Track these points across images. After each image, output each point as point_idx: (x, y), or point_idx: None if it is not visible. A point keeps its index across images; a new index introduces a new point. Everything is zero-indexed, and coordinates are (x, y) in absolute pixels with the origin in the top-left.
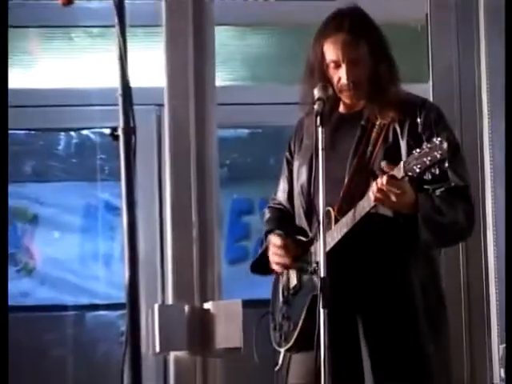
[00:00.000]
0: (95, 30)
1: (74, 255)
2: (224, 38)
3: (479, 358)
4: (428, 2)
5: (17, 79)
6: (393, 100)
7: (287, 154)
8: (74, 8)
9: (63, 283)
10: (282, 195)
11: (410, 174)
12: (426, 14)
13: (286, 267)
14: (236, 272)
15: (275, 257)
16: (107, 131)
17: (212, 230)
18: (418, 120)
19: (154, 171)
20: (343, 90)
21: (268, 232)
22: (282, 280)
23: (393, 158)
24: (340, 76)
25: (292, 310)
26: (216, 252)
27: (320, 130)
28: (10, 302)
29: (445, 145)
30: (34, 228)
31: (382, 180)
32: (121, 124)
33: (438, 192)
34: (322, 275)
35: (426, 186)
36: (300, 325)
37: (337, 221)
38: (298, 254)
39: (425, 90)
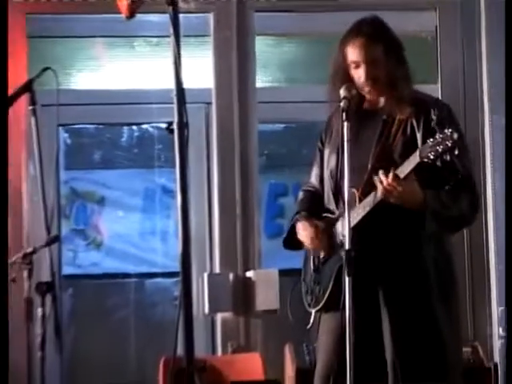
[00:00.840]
0: (154, 39)
1: (135, 231)
2: (263, 46)
3: (481, 318)
4: (437, 17)
5: (86, 82)
6: (409, 98)
7: (319, 144)
8: (135, 20)
9: (126, 255)
10: (314, 179)
11: (425, 160)
12: (435, 27)
13: (314, 248)
14: (273, 245)
15: (304, 238)
16: (164, 125)
17: (252, 209)
18: (432, 116)
19: (203, 159)
20: (363, 87)
21: (298, 212)
22: (313, 252)
23: (410, 148)
24: (360, 75)
25: (322, 277)
26: (256, 228)
27: (345, 124)
28: (82, 272)
29: (455, 135)
30: (102, 208)
31: (388, 178)
32: (175, 119)
33: (444, 192)
34: (346, 248)
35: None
36: (329, 290)
37: (360, 201)
38: (325, 236)
39: (434, 90)
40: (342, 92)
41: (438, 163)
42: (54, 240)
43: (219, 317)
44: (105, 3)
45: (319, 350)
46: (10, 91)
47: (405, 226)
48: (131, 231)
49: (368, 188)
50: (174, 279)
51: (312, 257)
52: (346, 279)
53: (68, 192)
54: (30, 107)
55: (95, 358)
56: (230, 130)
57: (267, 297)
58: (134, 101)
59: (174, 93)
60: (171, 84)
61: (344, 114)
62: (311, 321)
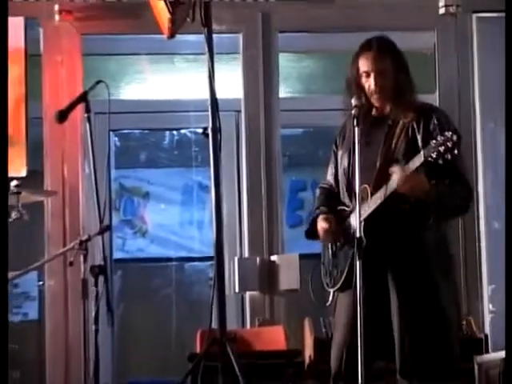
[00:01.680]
0: (191, 56)
1: (175, 221)
2: (285, 62)
3: (473, 296)
4: (435, 36)
5: (133, 93)
6: (411, 104)
7: (334, 146)
8: (175, 40)
9: (168, 242)
10: (330, 177)
11: (429, 158)
12: (434, 44)
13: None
14: (294, 233)
15: (322, 233)
16: (200, 130)
17: (276, 202)
18: (434, 121)
19: (233, 159)
20: (372, 94)
21: (317, 208)
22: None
23: (411, 148)
24: (370, 83)
25: (339, 262)
26: (279, 218)
27: (356, 129)
28: (129, 256)
29: (455, 137)
30: (146, 202)
31: (402, 173)
32: (210, 125)
33: (441, 185)
34: (357, 236)
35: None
36: (345, 272)
37: (372, 195)
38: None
39: (433, 99)
40: (354, 101)
41: (440, 161)
42: (106, 229)
43: (247, 295)
44: (149, 25)
45: (336, 323)
46: (68, 102)
47: (409, 216)
48: (172, 221)
49: (377, 184)
50: (209, 263)
51: (330, 244)
52: (357, 262)
53: (117, 188)
54: (86, 115)
55: (141, 331)
56: (257, 134)
57: (289, 278)
58: (174, 109)
59: (209, 102)
60: (206, 94)
61: (355, 121)
62: (330, 299)
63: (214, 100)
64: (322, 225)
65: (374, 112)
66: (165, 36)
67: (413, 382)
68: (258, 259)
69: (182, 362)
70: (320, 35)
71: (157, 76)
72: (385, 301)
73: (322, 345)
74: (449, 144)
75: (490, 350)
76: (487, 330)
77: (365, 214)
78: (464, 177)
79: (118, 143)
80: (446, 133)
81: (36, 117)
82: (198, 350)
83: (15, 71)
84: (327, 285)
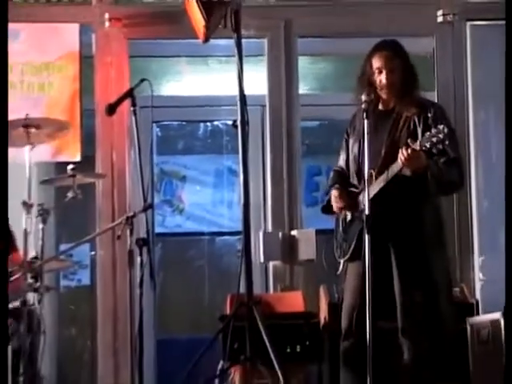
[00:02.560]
0: (223, 58)
1: (208, 201)
2: (303, 63)
3: (466, 265)
4: (434, 41)
5: (172, 90)
6: (414, 100)
7: (345, 135)
8: (209, 44)
9: (201, 219)
10: (342, 162)
11: (423, 148)
12: (433, 48)
13: (342, 209)
14: (310, 212)
15: (335, 203)
16: (230, 122)
17: (295, 184)
18: (429, 115)
19: (259, 148)
20: (382, 88)
21: (331, 186)
22: (341, 216)
23: (412, 138)
24: (381, 79)
25: (348, 236)
26: (298, 199)
27: (365, 121)
28: (168, 231)
29: (445, 129)
30: (183, 184)
31: (408, 150)
32: (238, 118)
33: (441, 161)
34: (366, 213)
35: (434, 158)
36: (353, 244)
37: (376, 178)
38: (350, 200)
39: (432, 96)
40: (363, 97)
41: (434, 150)
42: (149, 207)
43: (271, 264)
44: (187, 31)
45: (346, 289)
46: (116, 97)
47: (409, 196)
48: (205, 201)
49: (382, 169)
50: (237, 237)
51: (341, 221)
52: (366, 237)
53: (159, 172)
54: (132, 108)
55: (178, 295)
56: (279, 125)
57: (307, 250)
58: (207, 104)
59: (238, 98)
60: (235, 91)
61: (365, 114)
62: (340, 268)
63: (242, 96)
64: (334, 194)
65: (380, 106)
66: (200, 40)
67: (412, 341)
68: (279, 233)
69: (213, 322)
70: (333, 40)
71: (193, 75)
72: (387, 270)
73: (335, 308)
74: (440, 135)
75: (480, 312)
76: (478, 295)
77: (371, 195)
78: (457, 160)
79: (159, 133)
80: (439, 126)
81: (89, 109)
82: (227, 311)
83: (71, 70)
84: (338, 256)
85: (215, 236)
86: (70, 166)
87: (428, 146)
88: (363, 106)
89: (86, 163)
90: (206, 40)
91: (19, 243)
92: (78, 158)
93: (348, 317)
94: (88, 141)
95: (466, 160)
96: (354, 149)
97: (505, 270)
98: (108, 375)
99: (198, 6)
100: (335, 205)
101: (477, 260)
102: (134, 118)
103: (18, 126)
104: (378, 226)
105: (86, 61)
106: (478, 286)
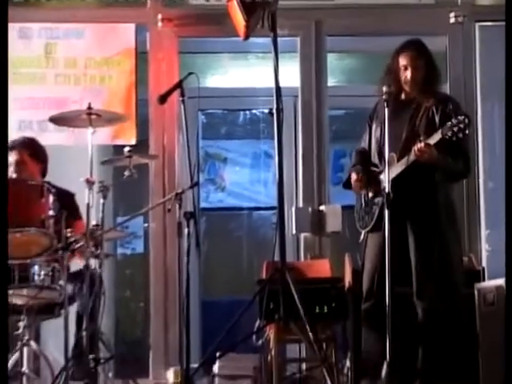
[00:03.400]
0: (260, 54)
1: (246, 180)
2: (332, 59)
3: (474, 237)
4: (447, 40)
5: (216, 82)
6: (433, 93)
7: (369, 120)
8: (249, 41)
9: (241, 195)
10: (364, 144)
11: (445, 136)
12: (446, 46)
13: (361, 188)
14: (336, 190)
15: (354, 183)
16: (266, 111)
17: (324, 165)
18: (450, 107)
19: (292, 133)
20: (407, 83)
21: (353, 165)
22: (363, 193)
23: (430, 126)
24: (406, 75)
25: (369, 209)
26: (326, 178)
27: (386, 109)
28: (212, 206)
29: (467, 120)
30: (225, 165)
31: (421, 145)
32: (274, 107)
33: (449, 155)
34: (386, 191)
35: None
36: (375, 217)
37: (398, 161)
38: (370, 179)
39: (445, 88)
40: (385, 88)
41: (454, 138)
42: (195, 185)
43: (302, 236)
44: (229, 30)
45: (367, 257)
46: (167, 88)
47: (425, 179)
48: (244, 180)
49: (402, 152)
50: (272, 211)
51: (362, 197)
52: (386, 211)
53: (203, 154)
54: (180, 98)
55: (220, 262)
56: (310, 114)
57: (333, 223)
58: (247, 94)
59: (274, 89)
60: (271, 83)
61: (385, 103)
62: (362, 237)
63: (277, 87)
64: (353, 177)
65: (402, 96)
66: (241, 38)
67: (425, 303)
68: (309, 208)
69: (251, 285)
70: (357, 39)
71: (234, 69)
72: (404, 241)
73: (358, 274)
74: (461, 125)
75: (486, 279)
76: (484, 264)
77: (392, 175)
78: (464, 153)
79: (204, 120)
80: (460, 116)
81: (143, 99)
82: (263, 276)
83: (128, 65)
84: (360, 227)
85: (253, 211)
86: (127, 149)
87: (449, 134)
88: (384, 95)
89: (141, 146)
90: (246, 38)
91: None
92: (133, 142)
93: (369, 281)
94: (142, 126)
95: (474, 146)
96: (376, 133)
97: (505, 242)
98: (159, 332)
99: (239, 8)
100: (354, 184)
101: (483, 233)
102: (182, 107)
103: (82, 114)
104: (397, 204)
105: (140, 56)
106: (484, 255)
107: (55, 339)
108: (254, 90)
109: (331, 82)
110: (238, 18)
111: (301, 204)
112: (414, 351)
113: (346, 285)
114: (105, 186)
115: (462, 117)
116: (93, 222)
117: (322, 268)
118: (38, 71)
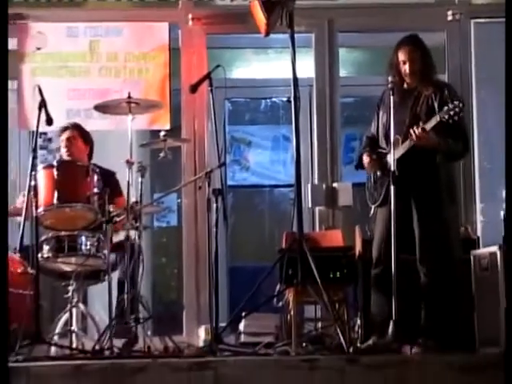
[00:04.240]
0: (279, 49)
1: (267, 161)
2: (343, 53)
3: (470, 210)
4: (445, 35)
5: (241, 73)
6: (431, 82)
7: (376, 107)
8: (269, 38)
9: (263, 174)
10: (373, 129)
11: (443, 119)
12: (444, 40)
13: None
14: (348, 169)
15: (366, 164)
16: (285, 99)
17: (336, 147)
18: (445, 93)
19: (307, 118)
20: (407, 75)
21: (363, 149)
22: (372, 172)
23: (430, 111)
24: (405, 68)
25: (378, 186)
26: (338, 158)
27: (392, 97)
28: (237, 183)
29: (461, 104)
30: (249, 148)
31: (418, 130)
32: (292, 95)
33: (449, 137)
34: (392, 169)
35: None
36: (383, 193)
37: (402, 143)
38: (379, 160)
39: (444, 77)
40: (390, 78)
41: (450, 121)
42: (222, 165)
43: (317, 209)
44: (252, 27)
45: (375, 228)
46: (197, 79)
47: (427, 158)
48: (265, 160)
49: (406, 136)
50: (290, 188)
51: (372, 175)
52: (392, 187)
53: (230, 138)
54: (209, 88)
55: (245, 233)
56: (324, 101)
57: (345, 198)
58: (268, 84)
59: (291, 80)
60: (289, 74)
61: (391, 91)
62: (371, 211)
63: (294, 78)
64: (366, 159)
65: (405, 85)
66: (262, 35)
67: (428, 268)
68: (323, 185)
69: (272, 253)
70: (365, 35)
71: (256, 62)
72: (408, 214)
73: (367, 243)
74: (456, 109)
75: (481, 246)
76: (478, 233)
77: (397, 156)
78: (464, 134)
79: (230, 108)
80: (455, 101)
81: (176, 89)
82: (283, 246)
83: (162, 59)
84: (370, 202)
85: (273, 188)
86: (162, 133)
87: (446, 117)
88: (389, 85)
89: (174, 131)
90: (267, 34)
91: (124, 192)
92: (167, 127)
93: (377, 249)
94: (175, 113)
95: (470, 128)
96: (383, 119)
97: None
98: (191, 295)
99: (261, 8)
100: (367, 165)
101: (478, 206)
102: (210, 96)
103: (123, 103)
104: (401, 181)
105: (173, 51)
106: (479, 226)
107: (100, 301)
108: (274, 81)
109: (342, 73)
110: (260, 17)
111: (316, 181)
112: (417, 311)
113: (356, 253)
114: (143, 166)
115: (457, 102)
116: (132, 199)
117: (335, 238)
118: (83, 65)
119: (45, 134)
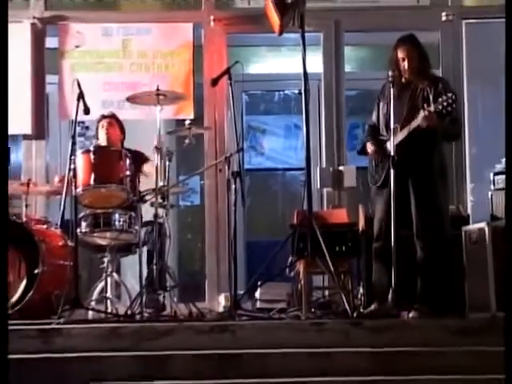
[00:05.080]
0: (292, 46)
1: (280, 147)
2: (347, 50)
3: (461, 190)
4: (439, 33)
5: (257, 69)
6: (427, 76)
7: (377, 99)
8: (282, 36)
9: (276, 158)
10: (374, 118)
11: (437, 110)
12: (438, 39)
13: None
14: (351, 154)
15: (370, 150)
16: (296, 91)
17: (342, 135)
18: (440, 86)
19: (316, 109)
20: (405, 71)
21: (366, 137)
22: (374, 157)
23: (426, 102)
24: (404, 64)
25: (379, 169)
26: (343, 145)
27: (392, 89)
28: (253, 167)
29: (453, 96)
30: (264, 135)
31: (426, 111)
32: (302, 88)
33: (447, 119)
34: (391, 154)
35: (445, 118)
36: (383, 175)
37: (401, 130)
38: (380, 146)
39: (438, 72)
40: (390, 73)
41: (444, 111)
42: (240, 150)
43: (325, 190)
44: (267, 27)
45: (377, 207)
46: (218, 74)
47: (422, 145)
48: (278, 147)
49: (404, 124)
50: (301, 171)
51: (374, 159)
52: (392, 171)
53: (247, 127)
54: (228, 82)
55: (261, 211)
56: (331, 94)
57: (349, 180)
58: (281, 78)
59: (302, 74)
60: (300, 70)
61: (391, 84)
62: (373, 193)
63: (305, 73)
64: (369, 147)
65: (403, 80)
66: (276, 34)
67: (423, 242)
68: (330, 168)
69: (285, 229)
70: (368, 34)
71: (271, 58)
72: (406, 195)
73: (369, 221)
74: (449, 101)
75: (470, 223)
76: (468, 211)
77: (396, 142)
78: (458, 119)
79: (247, 99)
80: (448, 94)
81: (199, 83)
82: (295, 222)
83: (187, 56)
84: (371, 183)
85: (286, 171)
86: (187, 122)
87: (440, 108)
88: (389, 79)
89: (197, 120)
90: (280, 34)
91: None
92: (191, 116)
93: (378, 226)
94: (198, 104)
95: (462, 117)
96: (383, 109)
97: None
98: (212, 266)
99: (275, 10)
100: (370, 151)
101: (468, 187)
102: (230, 89)
103: (152, 94)
104: (400, 165)
105: (197, 49)
106: (469, 204)
107: (132, 271)
108: (287, 75)
109: (347, 68)
110: (274, 18)
111: (324, 165)
112: (414, 280)
113: (360, 229)
114: (170, 152)
115: (450, 94)
116: (160, 181)
117: (341, 216)
118: (116, 61)
119: (82, 122)
